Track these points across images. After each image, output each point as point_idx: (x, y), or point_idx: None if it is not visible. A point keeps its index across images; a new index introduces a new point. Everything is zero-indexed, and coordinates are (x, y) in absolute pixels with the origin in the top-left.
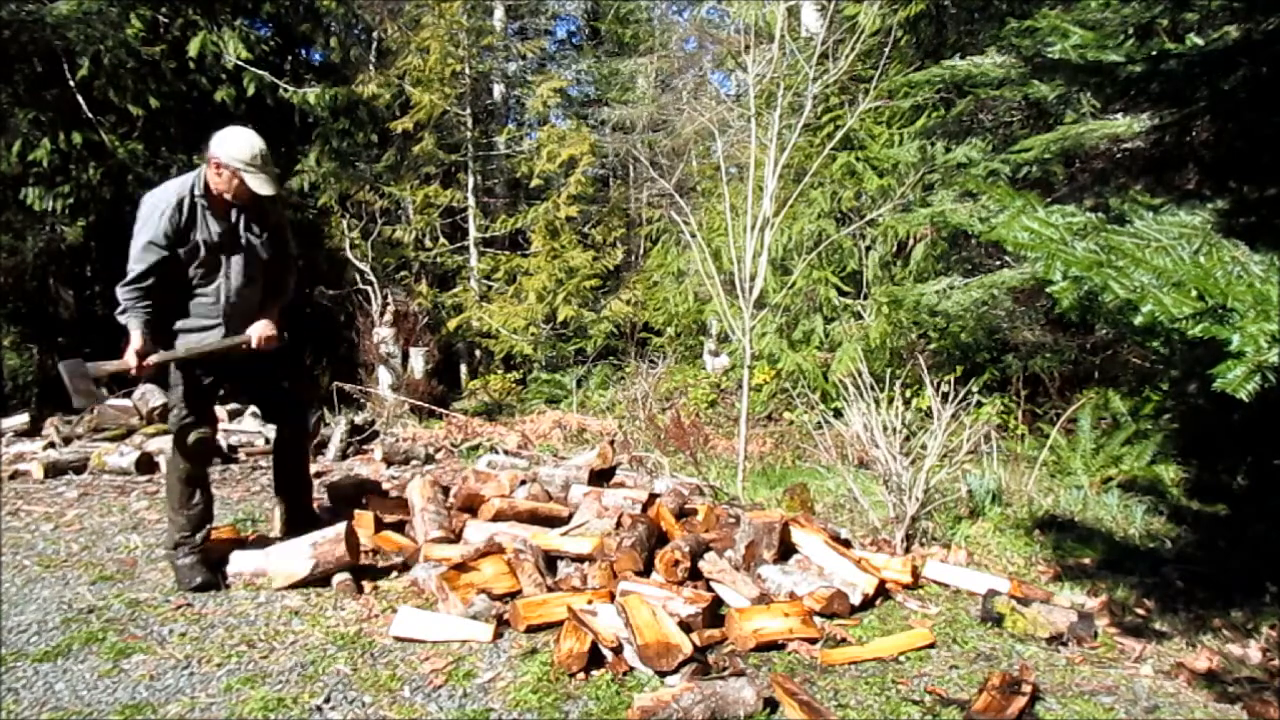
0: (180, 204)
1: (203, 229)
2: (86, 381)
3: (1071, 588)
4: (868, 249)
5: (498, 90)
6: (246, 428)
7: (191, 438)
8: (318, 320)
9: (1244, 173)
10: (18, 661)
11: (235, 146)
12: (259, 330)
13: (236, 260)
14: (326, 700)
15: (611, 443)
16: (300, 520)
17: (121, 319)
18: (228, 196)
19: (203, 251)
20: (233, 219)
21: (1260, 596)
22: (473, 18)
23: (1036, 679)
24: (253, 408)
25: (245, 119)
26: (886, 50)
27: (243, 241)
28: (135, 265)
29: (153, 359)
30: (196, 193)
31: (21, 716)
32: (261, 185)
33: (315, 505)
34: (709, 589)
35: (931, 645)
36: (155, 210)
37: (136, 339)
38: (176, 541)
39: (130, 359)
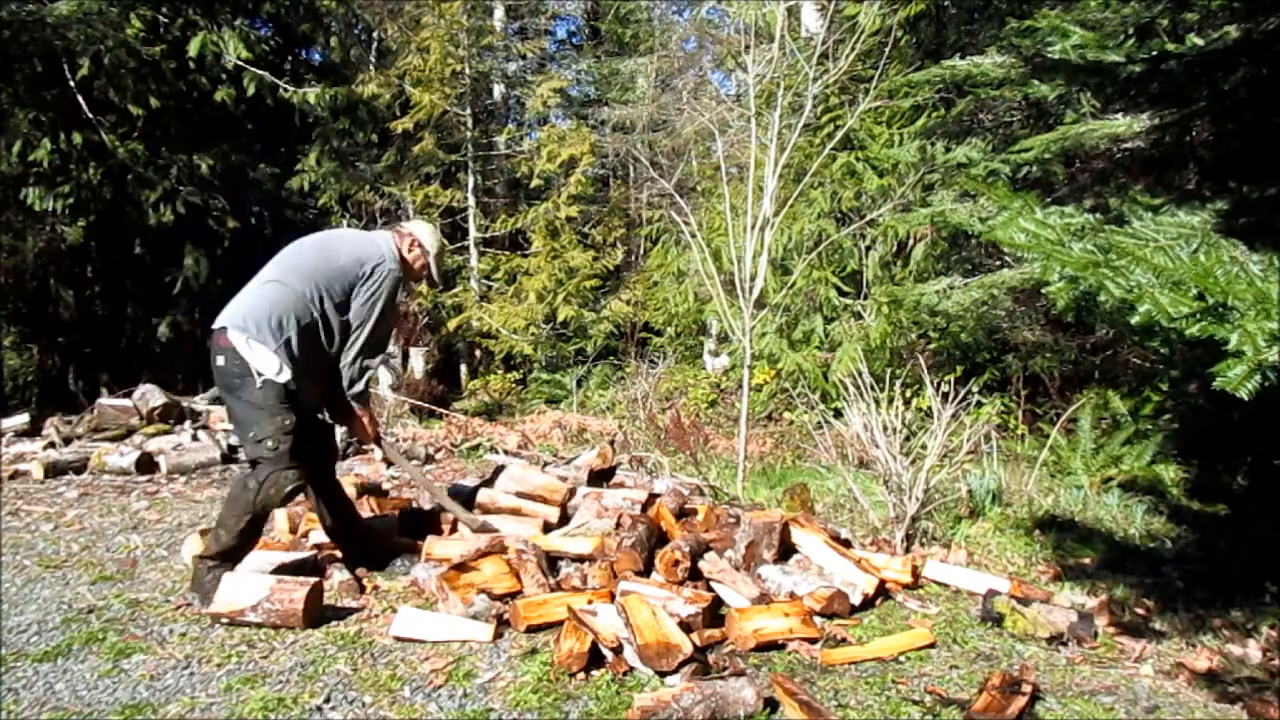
0: None
1: None
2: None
3: (1071, 588)
4: (868, 249)
5: (498, 90)
6: None
7: (292, 483)
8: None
9: (1244, 173)
10: (18, 661)
11: (434, 240)
12: None
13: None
14: (326, 700)
15: (611, 443)
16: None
17: (358, 389)
18: (408, 272)
19: None
20: None
21: (1260, 596)
22: (473, 18)
23: (1036, 679)
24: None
25: (245, 118)
26: (886, 50)
27: None
28: (382, 334)
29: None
30: None
31: (21, 716)
32: (438, 277)
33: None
34: (709, 589)
35: (931, 645)
36: (396, 284)
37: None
38: (216, 554)
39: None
